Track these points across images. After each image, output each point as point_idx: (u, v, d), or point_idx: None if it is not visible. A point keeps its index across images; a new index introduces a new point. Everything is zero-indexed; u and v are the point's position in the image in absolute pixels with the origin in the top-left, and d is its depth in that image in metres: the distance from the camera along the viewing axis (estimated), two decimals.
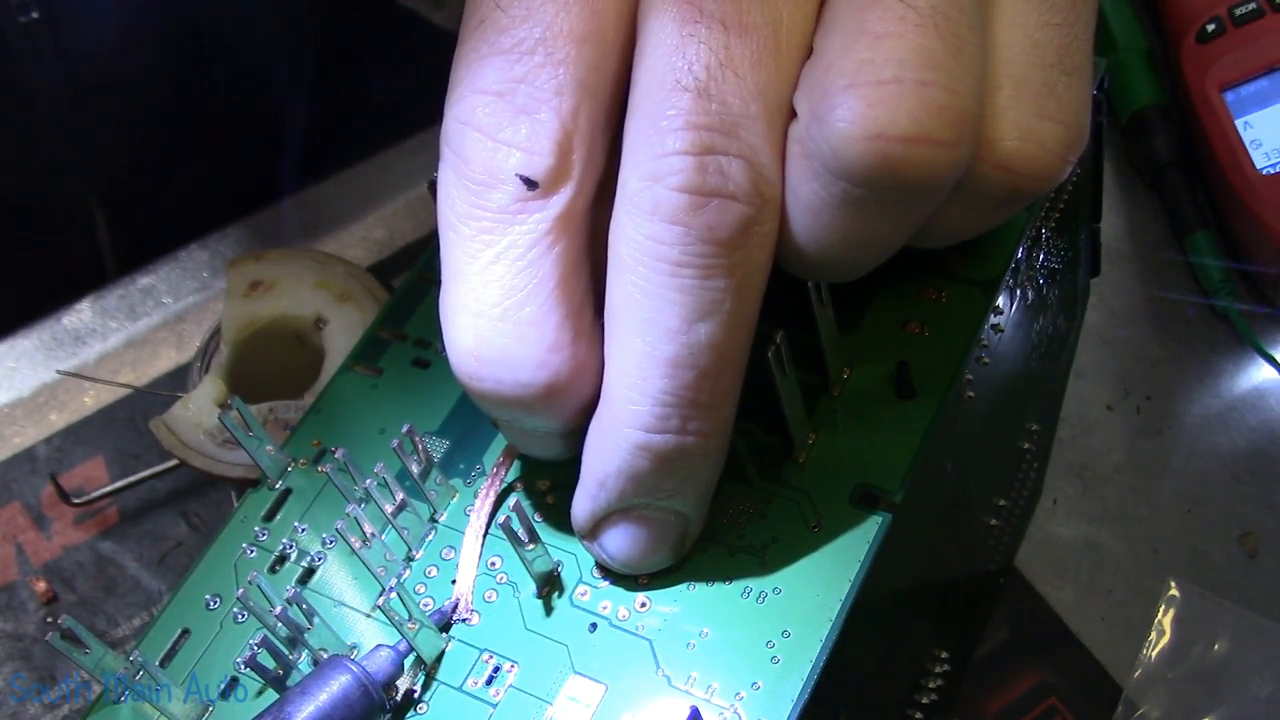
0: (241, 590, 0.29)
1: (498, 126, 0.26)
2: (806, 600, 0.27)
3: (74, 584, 0.47)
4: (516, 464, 0.31)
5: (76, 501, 0.47)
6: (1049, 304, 0.37)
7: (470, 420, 0.32)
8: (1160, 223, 0.52)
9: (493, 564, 0.30)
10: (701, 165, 0.25)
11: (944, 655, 0.36)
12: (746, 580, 0.28)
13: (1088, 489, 0.46)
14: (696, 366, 0.26)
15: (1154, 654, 0.42)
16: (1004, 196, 0.27)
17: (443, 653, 0.29)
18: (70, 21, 0.55)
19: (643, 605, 0.28)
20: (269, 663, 0.28)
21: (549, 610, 0.29)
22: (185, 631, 0.31)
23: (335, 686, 0.27)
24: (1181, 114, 0.52)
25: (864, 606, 0.27)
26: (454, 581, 0.30)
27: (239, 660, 0.28)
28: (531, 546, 0.28)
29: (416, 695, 0.28)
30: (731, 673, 0.27)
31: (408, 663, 0.28)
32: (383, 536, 0.30)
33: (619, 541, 0.28)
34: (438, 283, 0.27)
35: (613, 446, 0.27)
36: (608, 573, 0.29)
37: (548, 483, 0.31)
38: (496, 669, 0.28)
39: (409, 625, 0.28)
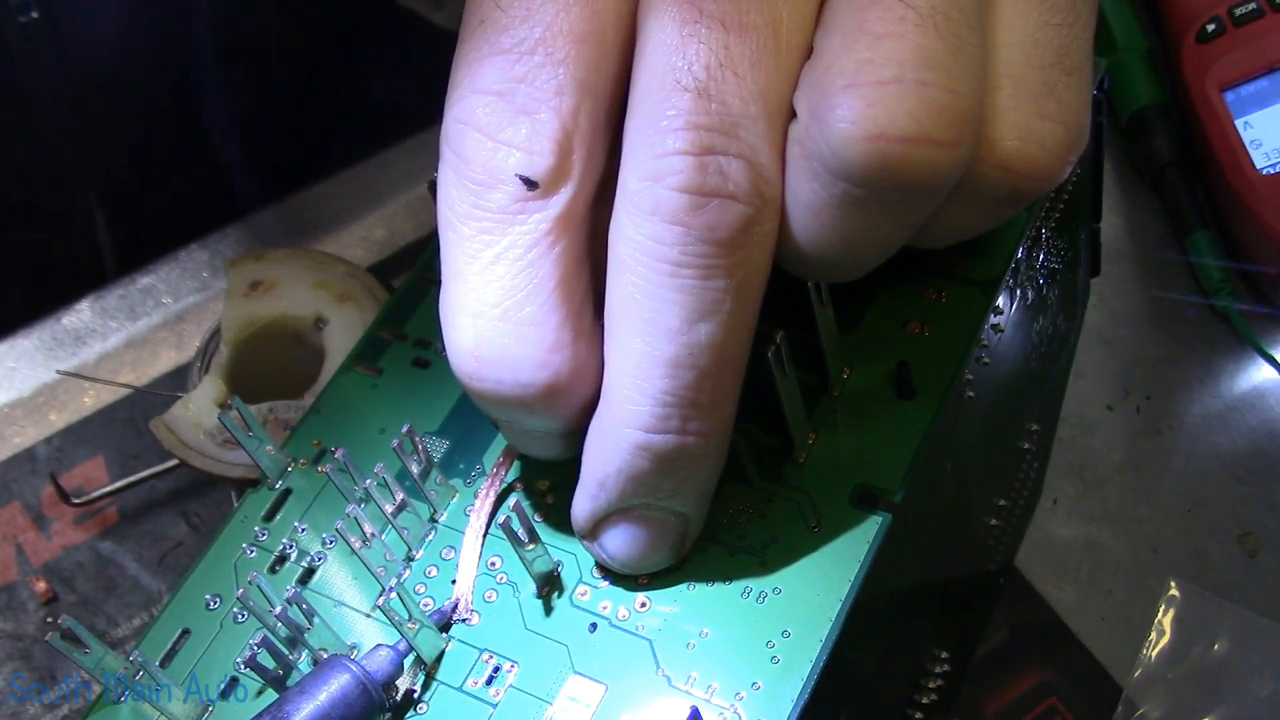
0: (241, 590, 0.29)
1: (498, 126, 0.26)
2: (806, 600, 0.27)
3: (74, 584, 0.47)
4: (516, 464, 0.31)
5: (76, 501, 0.47)
6: (1049, 304, 0.37)
7: (470, 420, 0.32)
8: (1160, 223, 0.52)
9: (493, 564, 0.30)
10: (701, 165, 0.25)
11: (944, 655, 0.36)
12: (746, 580, 0.28)
13: (1088, 489, 0.46)
14: (697, 366, 0.26)
15: (1154, 654, 0.42)
16: (1004, 196, 0.27)
17: (443, 653, 0.29)
18: (70, 21, 0.55)
19: (643, 605, 0.28)
20: (269, 663, 0.28)
21: (549, 610, 0.29)
22: (185, 631, 0.31)
23: (334, 686, 0.27)
24: (1181, 114, 0.52)
25: (864, 606, 0.27)
26: (454, 581, 0.30)
27: (239, 660, 0.28)
28: (531, 546, 0.28)
29: (416, 695, 0.28)
30: (731, 673, 0.27)
31: (408, 662, 0.28)
32: (383, 536, 0.30)
33: (619, 541, 0.28)
34: (438, 283, 0.27)
35: (613, 446, 0.27)
36: (608, 573, 0.29)
37: (548, 483, 0.31)
38: (496, 669, 0.28)
39: (409, 625, 0.28)
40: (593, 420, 0.27)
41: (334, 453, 0.31)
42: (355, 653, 0.29)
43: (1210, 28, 0.51)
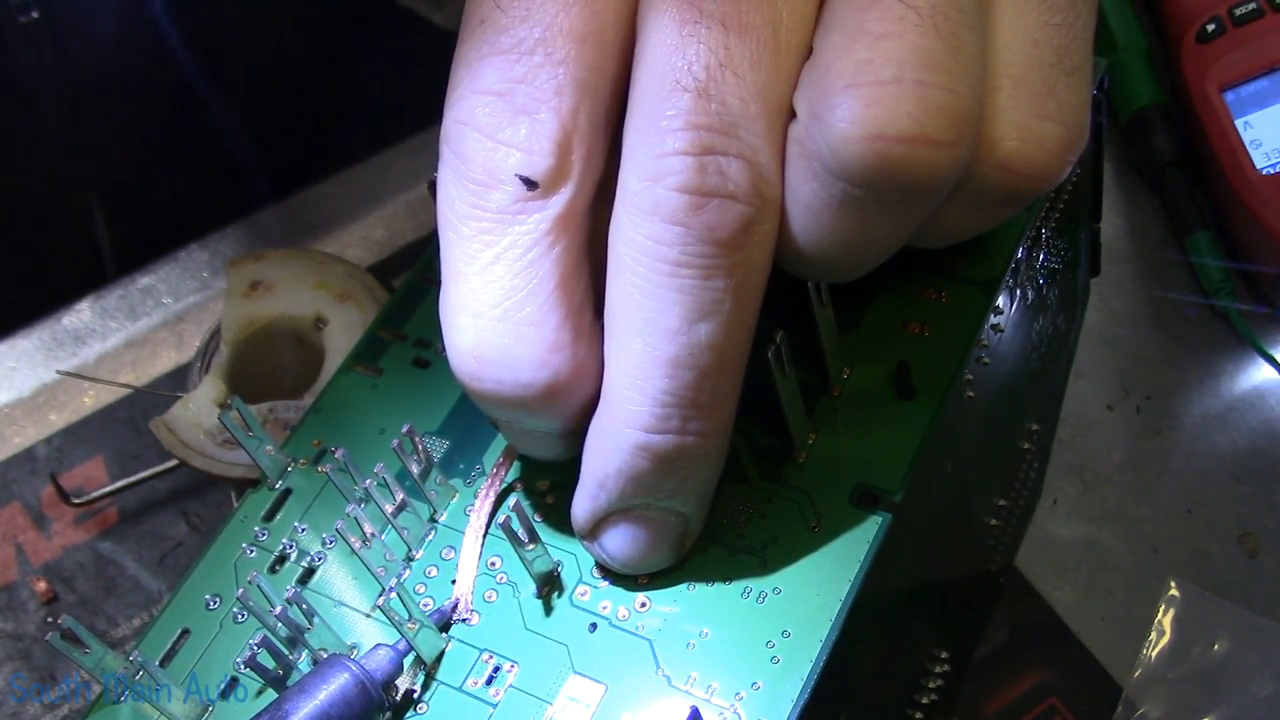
0: (241, 590, 0.29)
1: (497, 127, 0.26)
2: (806, 600, 0.27)
3: (74, 584, 0.47)
4: (516, 464, 0.31)
5: (76, 501, 0.47)
6: (1049, 304, 0.37)
7: (470, 420, 0.32)
8: (1160, 223, 0.52)
9: (493, 564, 0.30)
10: (701, 165, 0.25)
11: (944, 655, 0.36)
12: (746, 580, 0.28)
13: (1088, 489, 0.46)
14: (696, 367, 0.26)
15: (1154, 654, 0.42)
16: (1004, 196, 0.27)
17: (443, 653, 0.29)
18: (70, 21, 0.55)
19: (643, 605, 0.29)
20: (269, 663, 0.28)
21: (549, 610, 0.29)
22: (185, 631, 0.31)
23: (334, 685, 0.27)
24: (1181, 114, 0.52)
25: (864, 606, 0.27)
26: (454, 581, 0.30)
27: (239, 660, 0.28)
28: (531, 546, 0.28)
29: (416, 695, 0.28)
30: (731, 673, 0.27)
31: (407, 662, 0.28)
32: (383, 536, 0.30)
33: (619, 541, 0.28)
34: (438, 283, 0.27)
35: (613, 446, 0.27)
36: (608, 573, 0.29)
37: (548, 483, 0.31)
38: (496, 669, 0.28)
39: (409, 625, 0.28)
40: (593, 420, 0.27)
41: (334, 453, 0.31)
42: (355, 652, 0.29)
43: (1210, 28, 0.51)
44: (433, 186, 0.28)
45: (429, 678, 0.29)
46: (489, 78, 0.26)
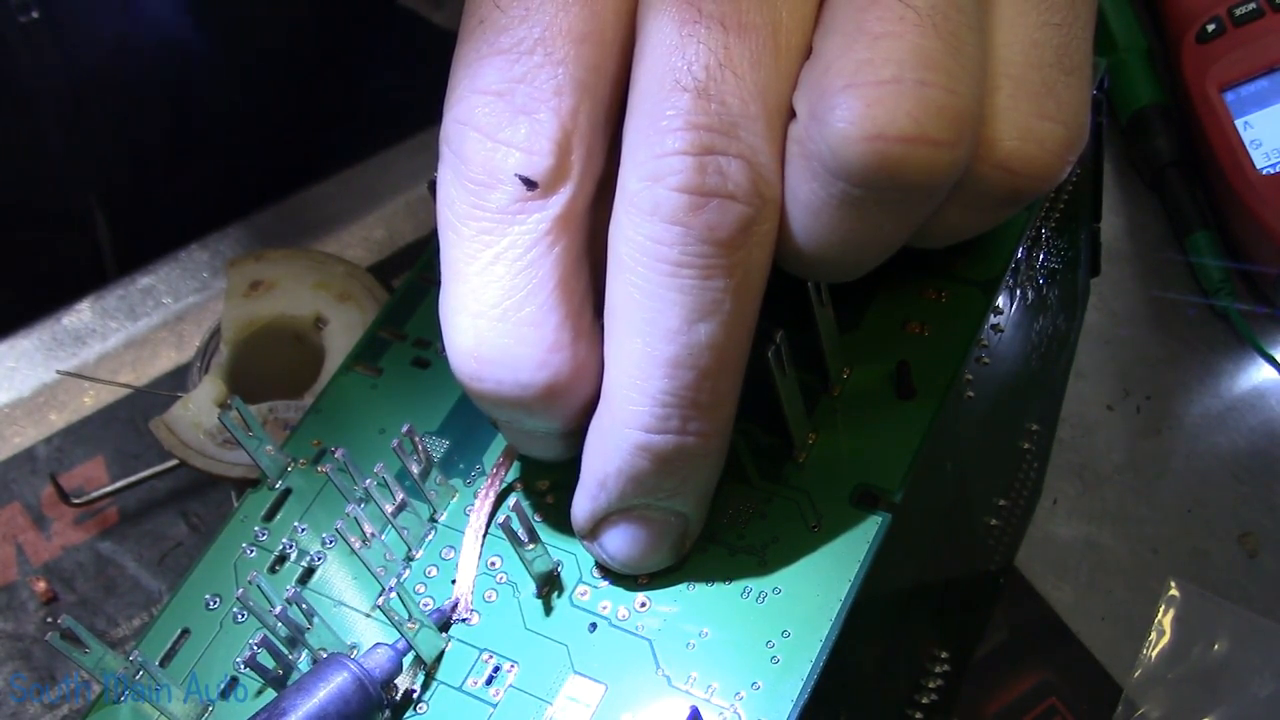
0: (241, 590, 0.29)
1: (497, 127, 0.26)
2: (806, 600, 0.27)
3: (74, 584, 0.47)
4: (516, 464, 0.31)
5: (76, 501, 0.47)
6: (1049, 304, 0.37)
7: (470, 420, 0.32)
8: (1160, 223, 0.52)
9: (493, 564, 0.30)
10: (701, 165, 0.25)
11: (944, 655, 0.36)
12: (746, 580, 0.28)
13: (1088, 489, 0.46)
14: (696, 367, 0.26)
15: (1154, 654, 0.42)
16: (1004, 196, 0.27)
17: (442, 652, 0.29)
18: (70, 21, 0.55)
19: (643, 605, 0.28)
20: (269, 663, 0.28)
21: (549, 610, 0.29)
22: (185, 631, 0.31)
23: (332, 684, 0.27)
24: (1181, 114, 0.52)
25: (864, 606, 0.27)
26: (454, 581, 0.30)
27: (239, 660, 0.28)
28: (531, 546, 0.28)
29: (416, 695, 0.28)
30: (731, 673, 0.27)
31: (406, 661, 0.28)
32: (383, 536, 0.30)
33: (619, 541, 0.28)
34: (438, 283, 0.27)
35: (613, 447, 0.27)
36: (608, 573, 0.29)
37: (548, 483, 0.31)
38: (496, 669, 0.28)
39: (409, 625, 0.28)
40: (593, 420, 0.27)
41: (334, 453, 0.31)
42: (355, 652, 0.29)
43: (1210, 28, 0.51)
44: (433, 186, 0.28)
45: (429, 677, 0.29)
46: (488, 78, 0.26)
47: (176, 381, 0.51)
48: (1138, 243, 0.51)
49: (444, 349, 0.27)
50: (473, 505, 0.31)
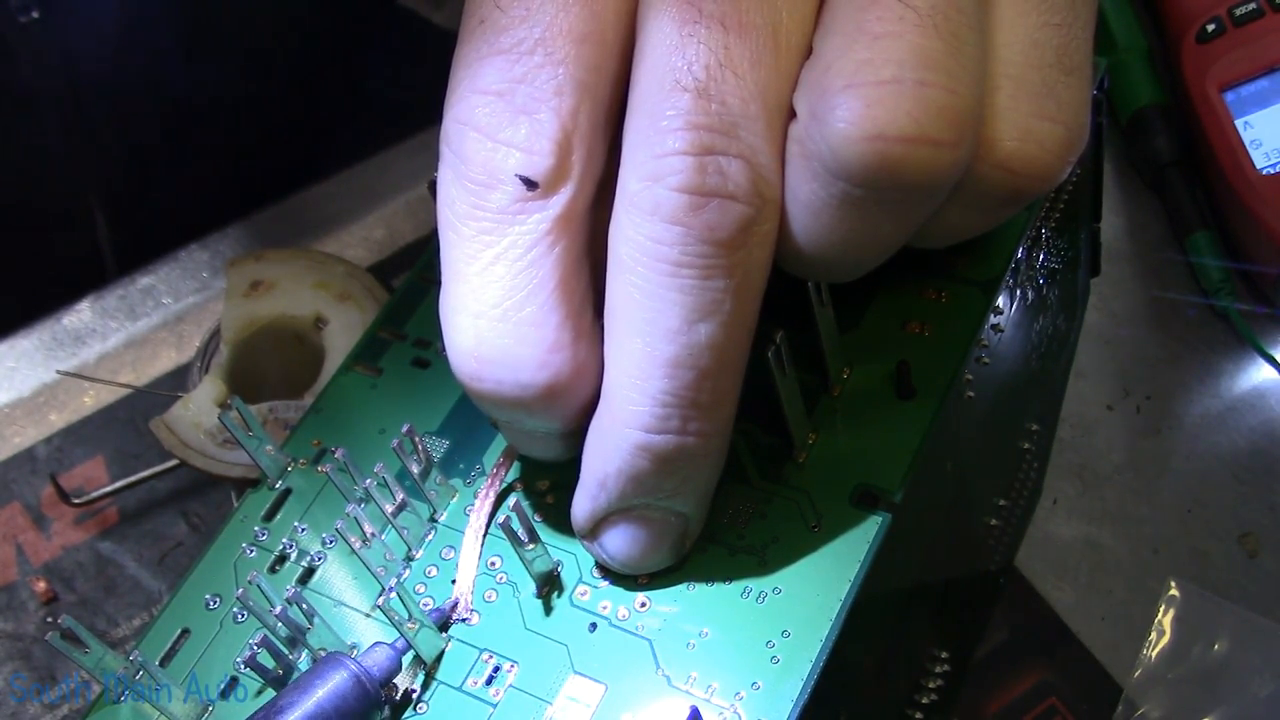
0: (241, 590, 0.29)
1: (497, 127, 0.26)
2: (806, 600, 0.27)
3: (74, 584, 0.47)
4: (516, 464, 0.31)
5: (76, 501, 0.47)
6: (1049, 304, 0.37)
7: (470, 420, 0.32)
8: (1160, 223, 0.52)
9: (493, 564, 0.30)
10: (701, 165, 0.25)
11: (944, 655, 0.36)
12: (746, 580, 0.28)
13: (1088, 489, 0.46)
14: (697, 367, 0.26)
15: (1154, 654, 0.42)
16: (1004, 197, 0.27)
17: (442, 652, 0.29)
18: (70, 21, 0.55)
19: (643, 605, 0.28)
20: (269, 662, 0.28)
21: (549, 610, 0.29)
22: (185, 631, 0.31)
23: (331, 682, 0.27)
24: (1181, 114, 0.52)
25: (864, 606, 0.27)
26: (454, 581, 0.30)
27: (239, 660, 0.28)
28: (531, 546, 0.28)
29: (416, 695, 0.28)
30: (731, 673, 0.27)
31: (406, 660, 0.28)
32: (383, 536, 0.30)
33: (619, 541, 0.28)
34: (438, 283, 0.27)
35: (613, 447, 0.27)
36: (608, 573, 0.29)
37: (548, 483, 0.31)
38: (496, 669, 0.28)
39: (409, 625, 0.28)
40: (593, 420, 0.27)
41: (334, 453, 0.31)
42: (355, 652, 0.29)
43: (1210, 28, 0.51)
44: (433, 186, 0.28)
45: (429, 677, 0.29)
46: (489, 78, 0.26)
47: (176, 381, 0.51)
48: (1138, 243, 0.51)
49: (444, 349, 0.27)
50: (473, 505, 0.31)
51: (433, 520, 0.31)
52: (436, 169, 0.27)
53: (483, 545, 0.30)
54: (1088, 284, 0.42)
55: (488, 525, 0.30)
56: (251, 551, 0.32)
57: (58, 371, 0.52)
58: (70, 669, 0.45)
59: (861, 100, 0.24)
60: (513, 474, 0.31)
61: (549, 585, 0.29)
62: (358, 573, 0.31)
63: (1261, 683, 0.41)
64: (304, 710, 0.27)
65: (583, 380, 0.27)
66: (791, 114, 0.26)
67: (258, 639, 0.28)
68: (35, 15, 0.54)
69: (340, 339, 0.45)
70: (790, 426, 0.29)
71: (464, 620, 0.29)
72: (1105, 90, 0.35)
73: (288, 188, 0.57)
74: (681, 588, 0.29)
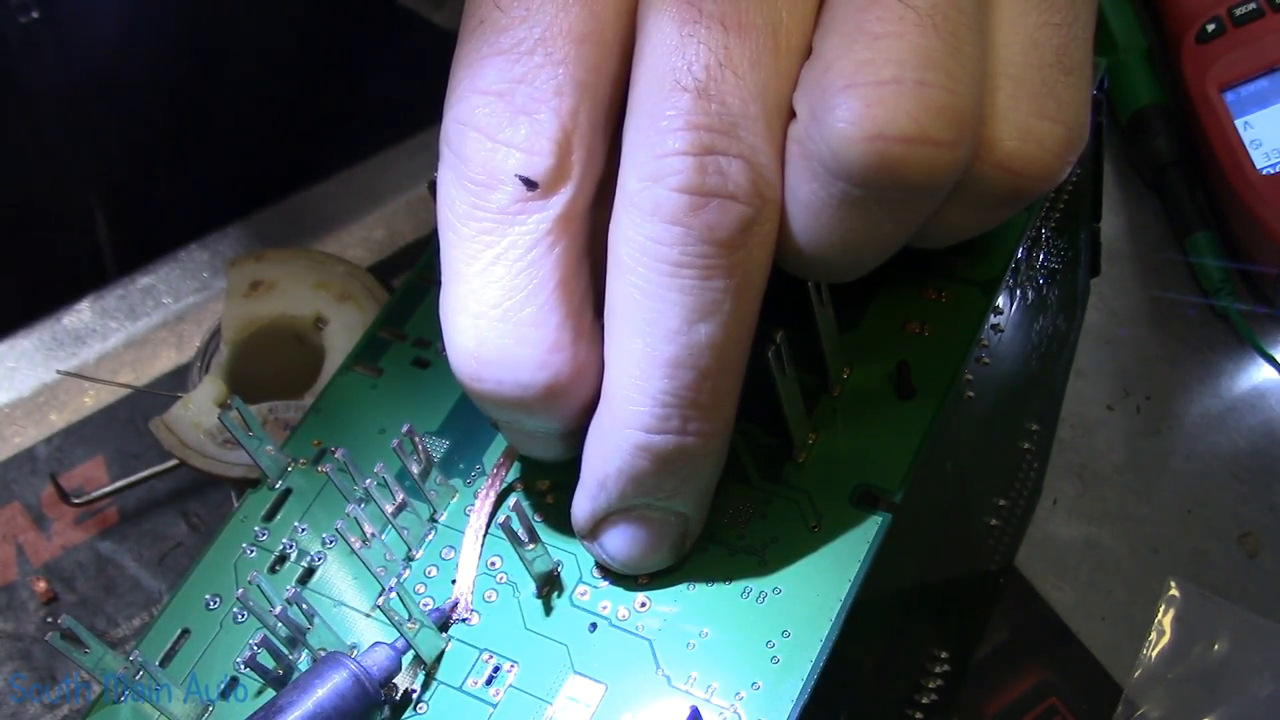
0: (241, 590, 0.29)
1: (497, 127, 0.26)
2: (806, 600, 0.27)
3: (74, 584, 0.47)
4: (516, 464, 0.31)
5: (76, 501, 0.47)
6: (1049, 304, 0.37)
7: (470, 420, 0.32)
8: (1160, 223, 0.52)
9: (493, 564, 0.30)
10: (701, 165, 0.25)
11: (944, 655, 0.36)
12: (746, 580, 0.28)
13: (1088, 489, 0.46)
14: (697, 367, 0.26)
15: (1154, 654, 0.42)
16: (1004, 196, 0.27)
17: (442, 652, 0.29)
18: (70, 21, 0.55)
19: (643, 605, 0.29)
20: (269, 663, 0.28)
21: (549, 610, 0.29)
22: (185, 631, 0.31)
23: (330, 682, 0.27)
24: (1181, 114, 0.52)
25: (864, 606, 0.27)
26: (454, 581, 0.30)
27: (239, 660, 0.28)
28: (531, 546, 0.28)
29: (416, 695, 0.28)
30: (731, 673, 0.27)
31: (406, 660, 0.28)
32: (383, 536, 0.30)
33: (619, 542, 0.28)
34: (438, 283, 0.27)
35: (613, 447, 0.27)
36: (608, 573, 0.29)
37: (548, 483, 0.31)
38: (496, 669, 0.28)
39: (409, 625, 0.28)
40: (593, 420, 0.27)
41: (334, 453, 0.31)
42: (355, 652, 0.29)
43: (1210, 28, 0.51)
44: (433, 186, 0.28)
45: (429, 677, 0.29)
46: (489, 78, 0.26)
47: (176, 381, 0.51)
48: (1138, 243, 0.51)
49: (444, 349, 0.27)
50: (473, 505, 0.31)
51: (433, 520, 0.31)
52: (436, 169, 0.27)
53: (483, 545, 0.30)
54: (1088, 284, 0.42)
55: (488, 525, 0.30)
56: (251, 551, 0.32)
57: (58, 371, 0.52)
58: (70, 669, 0.45)
59: (861, 100, 0.24)
60: (513, 474, 0.31)
61: (549, 585, 0.29)
62: (358, 573, 0.31)
63: (1261, 683, 0.41)
64: (303, 710, 0.27)
65: (583, 380, 0.27)
66: (791, 114, 0.26)
67: (258, 639, 0.28)
68: (35, 15, 0.54)
69: (340, 339, 0.45)
70: (790, 426, 0.29)
71: (464, 620, 0.29)
72: (1105, 90, 0.35)
73: (288, 188, 0.57)
74: (681, 588, 0.29)
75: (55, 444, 0.50)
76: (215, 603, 0.31)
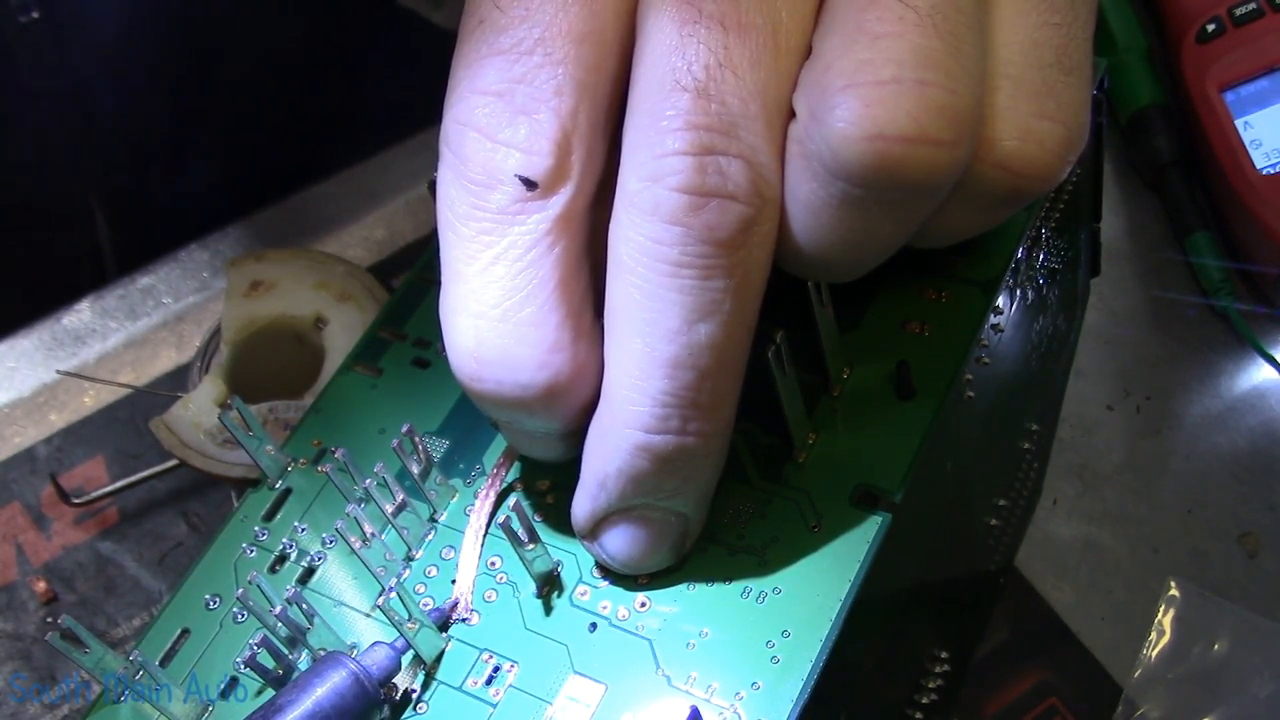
0: (241, 590, 0.29)
1: (497, 127, 0.26)
2: (806, 600, 0.27)
3: (74, 584, 0.47)
4: (516, 464, 0.31)
5: (76, 501, 0.47)
6: (1049, 304, 0.37)
7: (470, 420, 0.32)
8: (1160, 223, 0.52)
9: (493, 564, 0.30)
10: (701, 165, 0.25)
11: (944, 655, 0.36)
12: (746, 580, 0.28)
13: (1088, 489, 0.46)
14: (696, 367, 0.26)
15: (1154, 654, 0.42)
16: (1004, 196, 0.27)
17: (442, 652, 0.29)
18: (70, 21, 0.55)
19: (643, 605, 0.29)
20: (269, 663, 0.28)
21: (549, 610, 0.29)
22: (185, 631, 0.31)
23: (330, 681, 0.27)
24: (1181, 114, 0.52)
25: (864, 606, 0.27)
26: (454, 581, 0.30)
27: (239, 660, 0.28)
28: (531, 546, 0.28)
29: (416, 695, 0.28)
30: (731, 673, 0.27)
31: (406, 660, 0.28)
32: (383, 536, 0.30)
33: (619, 542, 0.28)
34: (438, 283, 0.27)
35: (613, 447, 0.27)
36: (608, 573, 0.29)
37: (548, 483, 0.31)
38: (496, 669, 0.28)
39: (409, 625, 0.28)
40: (593, 421, 0.27)
41: (334, 453, 0.31)
42: (354, 652, 0.29)
43: (1210, 28, 0.51)
44: (433, 186, 0.28)
45: (429, 677, 0.29)
46: (488, 78, 0.26)
47: (176, 381, 0.51)
48: (1138, 243, 0.51)
49: (444, 349, 0.27)
50: (473, 505, 0.31)
51: (433, 520, 0.31)
52: (436, 169, 0.27)
53: (483, 545, 0.30)
54: (1088, 284, 0.42)
55: (488, 525, 0.30)
56: (251, 551, 0.32)
57: (58, 371, 0.52)
58: (70, 669, 0.45)
59: (861, 100, 0.24)
60: (513, 474, 0.31)
61: (549, 585, 0.29)
62: (358, 573, 0.31)
63: (1261, 683, 0.41)
64: (303, 709, 0.27)
65: (583, 380, 0.27)
66: (791, 114, 0.26)
67: (258, 639, 0.28)
68: (35, 15, 0.54)
69: (340, 339, 0.45)
70: (790, 426, 0.29)
71: (464, 620, 0.29)
72: (1105, 90, 0.35)
73: (288, 188, 0.57)
74: (681, 588, 0.29)
75: (55, 444, 0.50)
76: (215, 603, 0.31)
